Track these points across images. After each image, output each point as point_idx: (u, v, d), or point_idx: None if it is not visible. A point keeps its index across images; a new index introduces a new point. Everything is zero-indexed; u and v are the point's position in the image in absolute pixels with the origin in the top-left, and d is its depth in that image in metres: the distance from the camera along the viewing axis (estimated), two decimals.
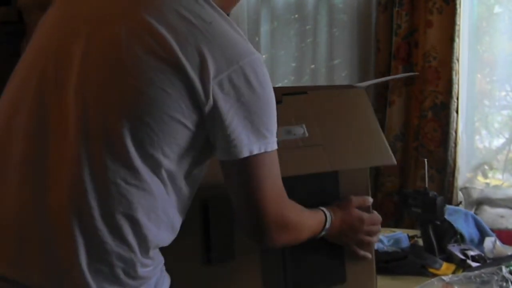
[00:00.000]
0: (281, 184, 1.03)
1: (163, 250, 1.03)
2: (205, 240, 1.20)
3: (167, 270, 1.06)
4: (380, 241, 1.78)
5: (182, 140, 0.94)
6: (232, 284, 1.23)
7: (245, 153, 0.95)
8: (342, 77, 2.54)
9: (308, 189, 1.23)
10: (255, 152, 0.95)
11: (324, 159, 1.20)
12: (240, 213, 1.03)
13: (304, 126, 1.23)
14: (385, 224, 2.34)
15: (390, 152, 1.23)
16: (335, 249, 1.25)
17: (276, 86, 2.14)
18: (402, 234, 1.84)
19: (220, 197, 1.10)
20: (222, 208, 1.15)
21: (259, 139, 0.95)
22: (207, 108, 0.92)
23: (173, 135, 0.93)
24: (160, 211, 0.96)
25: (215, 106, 0.92)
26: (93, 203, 0.91)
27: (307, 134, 1.23)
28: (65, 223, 0.91)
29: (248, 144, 0.95)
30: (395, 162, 1.24)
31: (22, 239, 0.94)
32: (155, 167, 0.93)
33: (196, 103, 0.92)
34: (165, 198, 0.96)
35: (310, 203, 1.18)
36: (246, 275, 1.23)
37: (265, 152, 0.96)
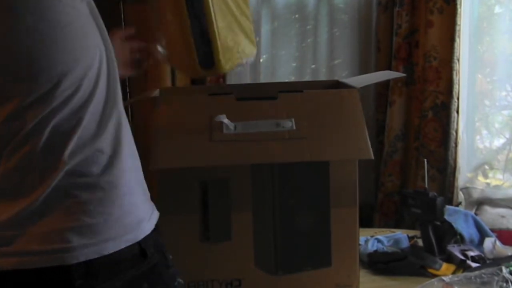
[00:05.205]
0: None
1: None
2: (204, 219, 1.33)
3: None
4: (380, 241, 1.78)
5: None
6: (227, 262, 1.35)
7: None
8: (342, 77, 2.53)
9: (301, 176, 1.35)
10: None
11: (304, 150, 1.29)
12: None
13: (293, 120, 1.31)
14: (385, 224, 2.36)
15: (369, 147, 1.29)
16: (323, 235, 1.36)
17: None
18: (402, 235, 1.84)
19: (219, 180, 1.32)
20: (220, 190, 1.33)
21: None
22: None
23: None
24: None
25: None
26: None
27: (294, 128, 1.30)
28: None
29: None
30: (372, 156, 1.29)
31: None
32: None
33: None
34: None
35: (302, 189, 1.35)
36: (240, 254, 1.35)
37: None
